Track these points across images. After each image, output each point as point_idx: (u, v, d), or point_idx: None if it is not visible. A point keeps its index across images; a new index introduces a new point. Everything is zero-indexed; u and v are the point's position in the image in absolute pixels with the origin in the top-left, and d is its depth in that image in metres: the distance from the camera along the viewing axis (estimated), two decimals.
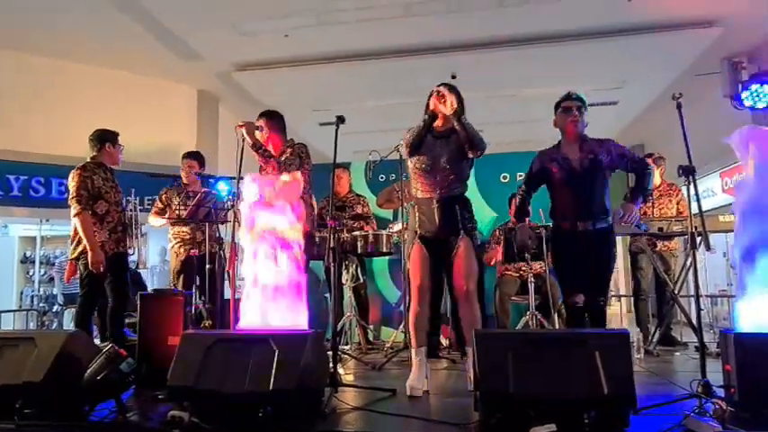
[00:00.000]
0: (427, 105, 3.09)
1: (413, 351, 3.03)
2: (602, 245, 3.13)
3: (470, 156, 3.04)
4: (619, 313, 5.83)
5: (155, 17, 5.16)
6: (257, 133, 3.35)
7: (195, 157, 4.58)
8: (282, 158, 3.28)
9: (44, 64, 6.03)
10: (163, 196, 4.49)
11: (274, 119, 3.51)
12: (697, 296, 2.64)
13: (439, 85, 3.03)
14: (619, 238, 4.78)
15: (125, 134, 3.99)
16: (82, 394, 2.45)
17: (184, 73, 6.49)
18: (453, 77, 6.19)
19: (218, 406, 2.29)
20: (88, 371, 2.47)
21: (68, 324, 6.91)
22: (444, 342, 4.49)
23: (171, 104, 6.79)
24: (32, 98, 5.98)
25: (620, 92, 6.67)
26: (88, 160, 3.81)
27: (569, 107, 3.21)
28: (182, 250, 4.23)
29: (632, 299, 4.88)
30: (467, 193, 3.17)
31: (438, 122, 3.07)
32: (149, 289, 4.64)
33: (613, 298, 5.54)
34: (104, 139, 3.81)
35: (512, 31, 5.49)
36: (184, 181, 4.54)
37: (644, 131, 8.31)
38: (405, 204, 4.31)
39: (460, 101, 3.00)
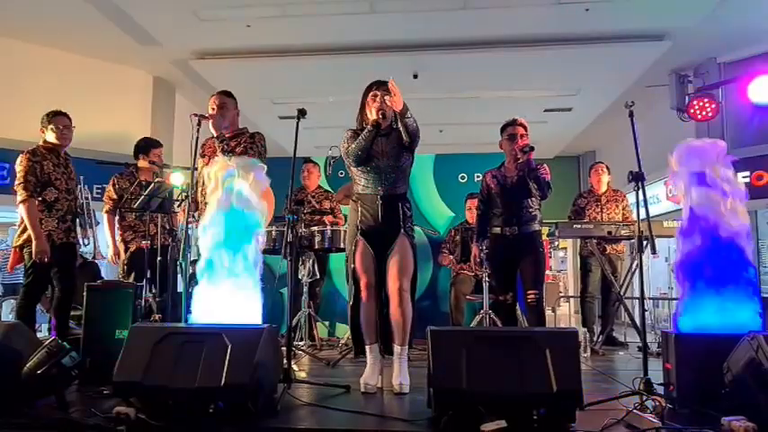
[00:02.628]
0: (363, 109, 3.09)
1: (366, 348, 3.02)
2: (530, 245, 3.59)
3: (408, 147, 3.03)
4: (567, 314, 6.03)
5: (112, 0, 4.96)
6: (209, 106, 3.29)
7: (154, 144, 4.40)
8: (241, 149, 3.22)
9: None
10: (116, 186, 4.24)
11: (231, 98, 3.46)
12: (642, 298, 2.75)
13: (376, 88, 3.02)
14: (570, 243, 4.96)
15: (76, 119, 3.81)
16: (20, 389, 2.34)
17: (140, 58, 6.27)
18: (415, 77, 6.25)
19: (168, 402, 2.23)
20: (27, 364, 2.36)
21: (7, 315, 6.57)
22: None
23: (125, 90, 6.53)
24: None
25: (574, 99, 6.87)
26: (39, 144, 3.63)
27: (514, 134, 3.62)
28: (132, 242, 4.09)
29: (579, 300, 5.06)
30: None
31: (374, 113, 2.99)
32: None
33: (562, 299, 5.72)
34: (51, 120, 3.63)
35: (474, 33, 5.57)
36: (143, 166, 4.31)
37: (596, 138, 8.61)
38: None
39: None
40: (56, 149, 3.64)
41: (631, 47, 5.51)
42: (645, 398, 2.44)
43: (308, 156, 5.67)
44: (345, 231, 4.29)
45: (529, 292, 3.54)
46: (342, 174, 5.64)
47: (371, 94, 3.03)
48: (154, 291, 3.72)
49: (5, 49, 5.77)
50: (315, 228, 4.36)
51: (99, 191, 5.59)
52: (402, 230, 2.99)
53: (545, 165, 3.64)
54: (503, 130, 3.70)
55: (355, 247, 3.01)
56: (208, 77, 6.45)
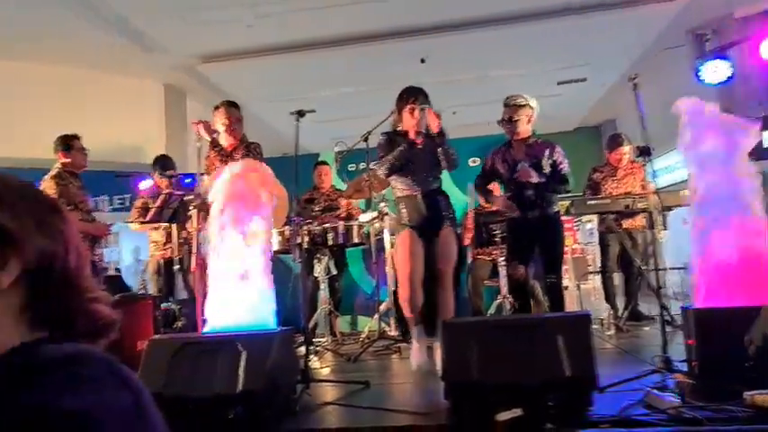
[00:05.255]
0: (399, 114, 3.23)
1: (413, 330, 3.21)
2: (548, 229, 3.51)
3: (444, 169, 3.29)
4: (592, 289, 5.93)
5: (113, 9, 5.01)
6: (219, 125, 3.33)
7: (170, 166, 4.50)
8: (239, 157, 3.26)
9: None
10: (143, 199, 4.38)
11: (236, 109, 3.49)
12: (656, 272, 2.69)
13: (413, 101, 3.18)
14: (595, 218, 4.87)
15: (91, 134, 3.91)
16: None
17: (149, 67, 6.34)
18: (422, 61, 6.18)
19: (188, 411, 2.29)
20: None
21: None
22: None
23: (137, 101, 6.61)
24: None
25: (588, 68, 6.68)
26: (58, 166, 3.74)
27: (502, 119, 3.59)
28: (156, 253, 4.21)
29: (600, 276, 4.98)
30: None
31: (411, 133, 3.19)
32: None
33: (590, 275, 5.63)
34: (70, 144, 3.74)
35: (480, 12, 5.45)
36: (161, 186, 4.44)
37: (615, 106, 8.36)
38: (374, 194, 4.30)
39: (429, 106, 3.21)
40: (75, 172, 3.74)
41: (644, 9, 5.30)
42: (665, 376, 2.39)
43: (323, 150, 5.69)
44: (358, 226, 4.36)
45: (548, 275, 3.52)
46: (352, 167, 5.65)
47: (408, 107, 3.19)
48: (171, 299, 3.81)
49: (15, 72, 5.87)
50: (327, 224, 4.38)
51: (120, 202, 5.72)
52: (446, 221, 3.23)
53: (558, 148, 3.53)
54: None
55: (402, 236, 3.21)
56: (216, 80, 6.50)
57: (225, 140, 3.34)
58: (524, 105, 3.48)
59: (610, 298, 4.73)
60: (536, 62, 6.38)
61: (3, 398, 0.53)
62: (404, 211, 3.23)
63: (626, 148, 4.79)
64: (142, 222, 4.05)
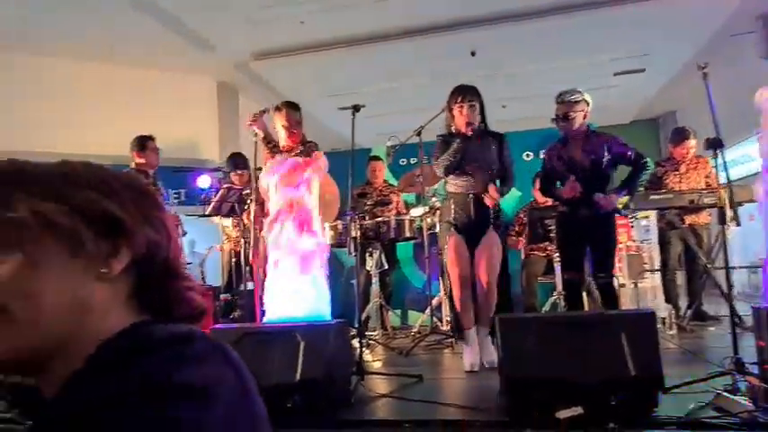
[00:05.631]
0: (450, 114, 3.28)
1: (465, 332, 3.27)
2: (601, 227, 3.37)
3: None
4: (651, 287, 5.71)
5: (168, 11, 5.18)
6: (279, 126, 3.39)
7: (242, 164, 4.63)
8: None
9: (64, 65, 6.06)
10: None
11: (297, 111, 3.54)
12: (726, 270, 2.56)
13: (461, 99, 3.23)
14: (653, 214, 4.68)
15: (149, 130, 4.07)
16: None
17: (203, 65, 6.54)
18: (473, 54, 6.10)
19: None
20: None
21: None
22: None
23: (192, 98, 6.84)
24: (53, 99, 6.02)
25: (647, 58, 6.43)
26: (133, 166, 3.90)
27: (557, 115, 3.42)
28: (225, 246, 4.37)
29: (660, 274, 4.78)
30: None
31: (463, 128, 3.24)
32: None
33: (647, 273, 5.42)
34: (145, 144, 3.91)
35: (532, 2, 5.34)
36: (237, 184, 4.57)
37: (676, 98, 8.02)
38: (427, 189, 4.29)
39: (481, 103, 3.31)
40: (147, 171, 3.90)
41: None
42: (736, 378, 2.28)
43: (372, 145, 5.70)
44: (410, 221, 4.35)
45: (600, 275, 3.41)
46: (403, 161, 5.64)
47: (457, 105, 3.26)
48: (232, 290, 3.92)
49: (79, 71, 6.13)
50: (380, 219, 4.39)
51: (176, 196, 5.91)
52: (491, 225, 3.26)
53: (618, 140, 3.39)
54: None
55: (450, 241, 3.28)
56: (268, 77, 6.64)
57: (284, 141, 3.40)
58: (579, 101, 3.35)
59: (671, 297, 4.53)
60: (591, 53, 6.19)
61: (118, 373, 0.56)
62: (453, 208, 3.30)
63: (692, 142, 4.56)
64: (201, 215, 4.18)
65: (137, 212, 0.65)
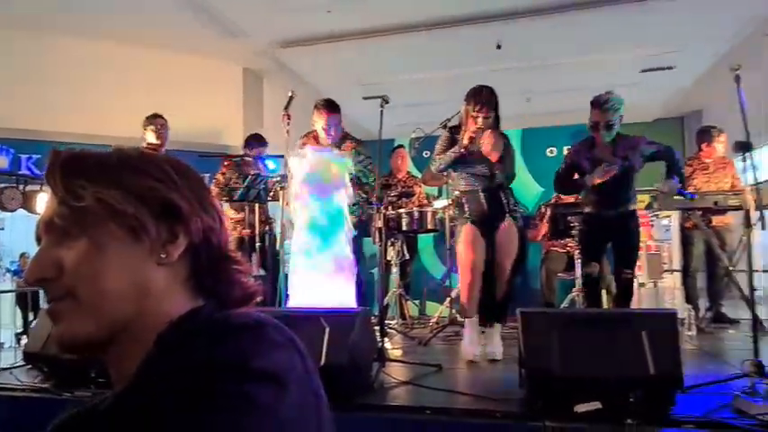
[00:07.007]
0: (465, 116, 3.25)
1: (466, 321, 3.28)
2: (625, 226, 3.43)
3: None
4: (671, 287, 5.69)
5: None
6: (317, 125, 3.44)
7: (263, 143, 4.68)
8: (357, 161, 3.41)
9: (91, 47, 6.11)
10: (226, 175, 4.54)
11: (337, 113, 3.60)
12: (750, 273, 2.57)
13: (479, 109, 3.17)
14: (675, 214, 4.65)
15: (174, 114, 4.12)
16: None
17: (229, 51, 6.57)
18: (498, 47, 6.07)
19: None
20: None
21: None
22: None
23: (217, 83, 6.86)
24: (79, 81, 6.06)
25: (676, 55, 6.33)
26: (143, 146, 3.98)
27: (597, 123, 3.36)
28: (234, 231, 4.40)
29: (681, 275, 4.76)
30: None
31: (466, 139, 3.21)
32: None
33: (666, 273, 5.40)
34: (153, 122, 3.97)
35: None
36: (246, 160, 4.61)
37: (703, 96, 7.88)
38: (450, 181, 4.32)
39: (497, 109, 3.23)
40: (156, 149, 3.97)
41: None
42: (755, 381, 2.30)
43: (396, 137, 5.73)
44: (432, 213, 4.39)
45: (623, 270, 3.44)
46: (427, 154, 5.66)
47: (474, 113, 3.20)
48: (256, 276, 3.99)
49: (105, 52, 6.14)
50: (402, 210, 4.44)
51: None
52: (507, 215, 3.27)
53: (645, 140, 3.44)
54: (592, 104, 3.45)
55: (464, 230, 3.27)
56: (293, 66, 6.67)
57: (322, 141, 3.47)
58: (620, 108, 3.34)
59: (692, 298, 4.52)
60: (619, 49, 6.12)
61: (194, 358, 0.58)
62: (466, 206, 3.30)
63: (722, 141, 4.53)
64: (228, 201, 4.24)
65: (193, 199, 0.67)
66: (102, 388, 2.53)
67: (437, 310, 4.68)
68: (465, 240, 3.26)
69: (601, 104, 3.32)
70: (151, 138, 3.96)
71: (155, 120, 3.97)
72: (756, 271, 2.69)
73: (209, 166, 4.91)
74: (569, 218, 3.79)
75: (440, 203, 4.47)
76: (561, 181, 3.64)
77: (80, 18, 5.68)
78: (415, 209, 4.41)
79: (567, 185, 3.65)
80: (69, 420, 0.61)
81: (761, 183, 2.69)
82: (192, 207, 0.67)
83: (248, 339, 0.61)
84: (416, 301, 5.19)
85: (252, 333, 0.62)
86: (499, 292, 3.26)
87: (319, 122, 3.49)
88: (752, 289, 2.53)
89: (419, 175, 5.18)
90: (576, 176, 3.56)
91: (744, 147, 2.51)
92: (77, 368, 2.56)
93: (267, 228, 4.19)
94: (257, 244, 3.95)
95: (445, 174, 3.48)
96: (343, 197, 2.87)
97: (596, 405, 2.10)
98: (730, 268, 3.81)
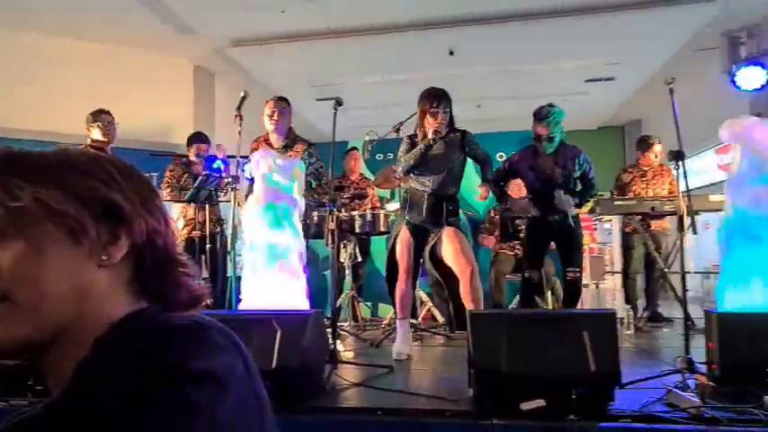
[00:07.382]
0: (421, 118, 3.26)
1: (398, 321, 3.36)
2: (568, 229, 3.59)
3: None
4: (611, 289, 5.96)
5: None
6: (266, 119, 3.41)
7: (204, 140, 4.59)
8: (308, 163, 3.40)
9: (34, 40, 5.81)
10: (174, 173, 4.44)
11: (290, 104, 3.57)
12: (683, 275, 2.73)
13: (436, 105, 3.19)
14: (616, 219, 4.87)
15: (122, 111, 3.97)
16: None
17: (180, 48, 6.41)
18: (451, 54, 6.19)
19: None
20: None
21: None
22: (441, 319, 4.61)
23: (167, 80, 6.66)
24: (29, 76, 5.79)
25: (617, 67, 6.64)
26: (87, 143, 3.83)
27: (540, 136, 3.53)
28: (184, 231, 4.30)
29: (621, 277, 5.00)
30: (465, 172, 3.49)
31: (430, 134, 3.21)
32: None
33: (607, 275, 5.65)
34: (98, 118, 3.82)
35: (510, 6, 5.45)
36: (193, 159, 4.52)
37: (642, 107, 8.30)
38: (402, 185, 4.37)
39: (450, 109, 3.27)
40: (102, 147, 3.82)
41: (678, 10, 5.27)
42: (686, 377, 2.44)
43: (348, 139, 5.74)
44: (385, 215, 4.43)
45: (568, 269, 3.58)
46: (380, 157, 5.70)
47: (431, 111, 3.19)
48: (205, 278, 3.91)
49: (51, 45, 5.87)
50: (355, 212, 4.46)
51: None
52: (444, 225, 3.27)
53: (584, 155, 3.59)
54: (534, 116, 3.61)
55: (400, 233, 3.30)
56: (245, 65, 6.57)
57: (274, 135, 3.44)
58: (561, 119, 3.51)
59: (631, 299, 4.75)
60: (565, 58, 6.36)
61: (133, 360, 0.57)
62: (409, 203, 3.34)
63: (658, 150, 4.79)
64: (178, 201, 4.14)
65: (137, 200, 0.66)
66: (40, 396, 2.42)
67: (389, 312, 4.71)
68: (401, 245, 3.31)
69: (542, 119, 3.48)
70: (97, 135, 3.80)
71: (100, 116, 3.81)
72: (689, 273, 2.87)
73: (158, 165, 4.77)
74: (517, 221, 3.92)
75: (392, 206, 4.51)
76: (495, 185, 3.76)
77: (30, 14, 5.40)
78: (368, 211, 4.44)
79: (498, 189, 3.76)
80: (5, 430, 0.59)
81: (692, 190, 2.86)
82: (134, 208, 0.65)
83: (189, 341, 0.60)
84: (369, 303, 5.21)
85: (193, 335, 0.62)
86: (472, 292, 3.16)
87: (266, 111, 3.46)
88: (684, 289, 2.69)
89: (372, 178, 5.21)
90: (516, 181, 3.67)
91: (677, 156, 2.66)
92: (14, 376, 2.44)
93: (218, 229, 4.11)
94: (207, 245, 3.87)
95: (398, 177, 3.51)
96: (296, 200, 2.86)
97: (540, 403, 2.18)
98: (665, 270, 4.04)
